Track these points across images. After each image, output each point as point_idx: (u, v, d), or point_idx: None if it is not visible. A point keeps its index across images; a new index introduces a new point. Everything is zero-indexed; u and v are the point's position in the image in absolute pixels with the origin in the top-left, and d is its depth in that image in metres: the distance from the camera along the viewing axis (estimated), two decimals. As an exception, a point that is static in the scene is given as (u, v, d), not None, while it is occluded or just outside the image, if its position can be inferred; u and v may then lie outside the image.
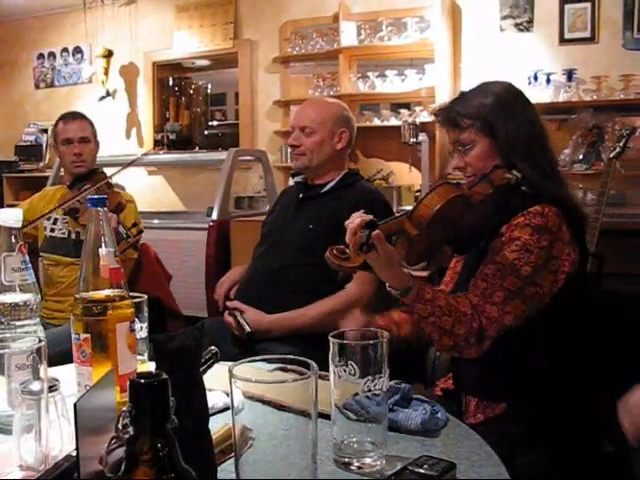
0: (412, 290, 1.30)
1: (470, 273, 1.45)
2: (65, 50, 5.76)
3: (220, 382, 1.08)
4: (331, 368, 0.96)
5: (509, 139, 1.45)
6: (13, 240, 1.20)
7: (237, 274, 2.29)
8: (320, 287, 1.98)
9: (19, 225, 1.19)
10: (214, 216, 3.81)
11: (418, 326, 1.34)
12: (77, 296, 1.13)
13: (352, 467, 0.96)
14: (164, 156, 5.13)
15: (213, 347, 1.18)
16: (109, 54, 5.35)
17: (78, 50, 5.69)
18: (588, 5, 3.87)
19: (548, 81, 3.88)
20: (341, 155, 2.21)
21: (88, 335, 1.10)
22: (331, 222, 1.96)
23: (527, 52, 4.02)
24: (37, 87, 5.95)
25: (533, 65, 3.95)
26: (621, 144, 3.16)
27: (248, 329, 1.97)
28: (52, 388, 0.97)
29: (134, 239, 2.29)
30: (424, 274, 3.13)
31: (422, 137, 3.82)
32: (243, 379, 0.80)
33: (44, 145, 5.68)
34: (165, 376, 0.61)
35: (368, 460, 0.96)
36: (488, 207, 1.40)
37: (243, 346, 1.98)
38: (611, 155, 3.18)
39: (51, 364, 1.13)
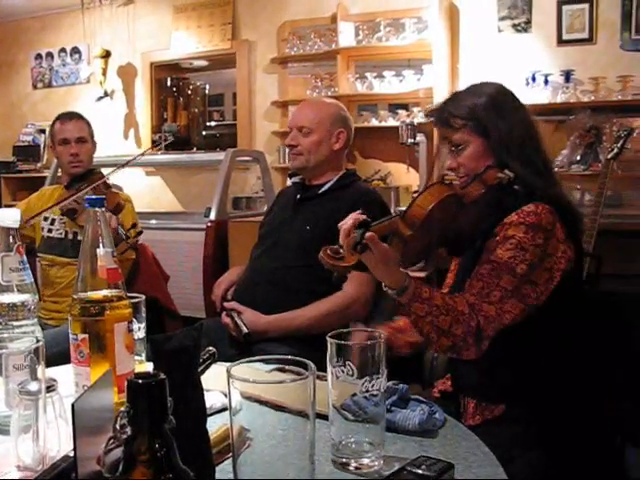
0: (408, 289, 1.30)
1: (466, 273, 1.45)
2: (63, 50, 5.75)
3: (218, 382, 1.08)
4: (329, 369, 0.96)
5: (502, 139, 1.46)
6: (11, 240, 1.20)
7: (235, 275, 2.29)
8: (318, 288, 1.98)
9: (17, 225, 1.19)
10: (212, 217, 3.81)
11: (416, 326, 1.34)
12: (75, 296, 1.13)
13: (350, 467, 0.96)
14: (162, 157, 5.12)
15: (211, 347, 1.18)
16: (107, 54, 5.34)
17: (76, 50, 5.68)
18: (586, 6, 3.87)
19: (546, 82, 3.88)
20: (339, 155, 2.21)
21: (86, 335, 1.10)
22: (329, 223, 1.95)
23: (525, 53, 4.03)
24: (35, 87, 5.94)
25: (531, 66, 3.95)
26: (619, 145, 3.17)
27: (245, 330, 1.97)
28: (50, 388, 0.97)
29: (133, 240, 2.28)
30: (422, 275, 3.14)
31: (420, 138, 3.82)
32: (241, 379, 0.80)
33: (42, 145, 5.68)
34: (163, 376, 0.61)
35: (366, 460, 0.96)
36: (481, 207, 1.41)
37: (240, 347, 1.98)
38: (609, 156, 3.19)
39: (49, 364, 1.13)
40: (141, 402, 0.60)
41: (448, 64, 4.14)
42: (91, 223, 1.14)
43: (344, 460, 0.96)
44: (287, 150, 3.70)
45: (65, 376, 1.13)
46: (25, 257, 1.19)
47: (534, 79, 3.90)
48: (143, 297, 1.31)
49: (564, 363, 1.44)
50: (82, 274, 1.14)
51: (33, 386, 0.95)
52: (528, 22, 4.05)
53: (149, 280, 2.78)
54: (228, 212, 4.12)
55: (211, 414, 1.10)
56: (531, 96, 3.85)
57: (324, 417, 0.97)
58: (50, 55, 5.82)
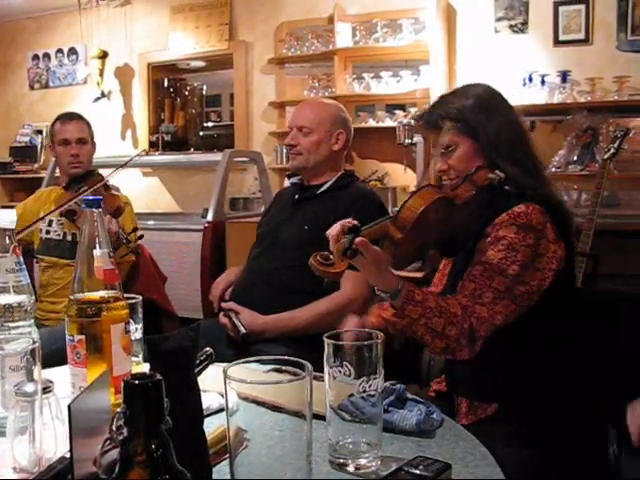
0: (401, 292, 1.31)
1: (458, 275, 1.46)
2: (60, 51, 5.74)
3: (215, 383, 1.08)
4: (326, 369, 0.96)
5: (491, 139, 1.46)
6: (7, 241, 1.20)
7: (232, 275, 2.29)
8: (315, 288, 1.96)
9: (13, 226, 1.19)
10: (209, 217, 3.81)
11: (410, 329, 1.34)
12: (72, 297, 1.13)
13: (347, 468, 0.95)
14: (159, 157, 5.12)
15: (208, 348, 1.18)
16: (104, 55, 5.34)
17: (73, 51, 5.68)
18: (582, 7, 3.88)
19: (543, 82, 3.89)
20: (337, 156, 2.21)
21: (82, 336, 1.10)
22: (327, 223, 1.93)
23: (522, 54, 4.03)
24: (32, 88, 5.93)
25: (528, 66, 3.96)
26: (615, 145, 3.18)
27: (243, 330, 1.97)
28: (46, 390, 0.97)
29: (134, 244, 2.28)
30: (418, 275, 3.14)
31: (417, 138, 3.82)
32: (238, 380, 0.80)
33: (39, 146, 5.67)
34: (159, 377, 0.61)
35: (363, 461, 0.96)
36: (472, 208, 1.41)
37: (238, 347, 1.98)
38: (605, 156, 3.19)
39: (45, 362, 1.13)
40: (137, 403, 0.60)
41: (445, 65, 4.14)
42: (88, 224, 1.14)
43: (341, 460, 0.96)
44: (285, 150, 3.71)
45: (62, 377, 1.13)
46: (21, 258, 1.19)
47: (531, 79, 3.91)
48: (140, 298, 1.31)
49: (557, 362, 1.44)
50: (79, 275, 1.14)
51: (29, 387, 0.95)
52: (525, 23, 4.06)
53: (146, 281, 2.78)
54: (225, 213, 4.12)
55: (208, 415, 1.10)
56: (528, 96, 3.86)
57: (321, 418, 0.97)
58: (47, 56, 5.82)
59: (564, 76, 3.86)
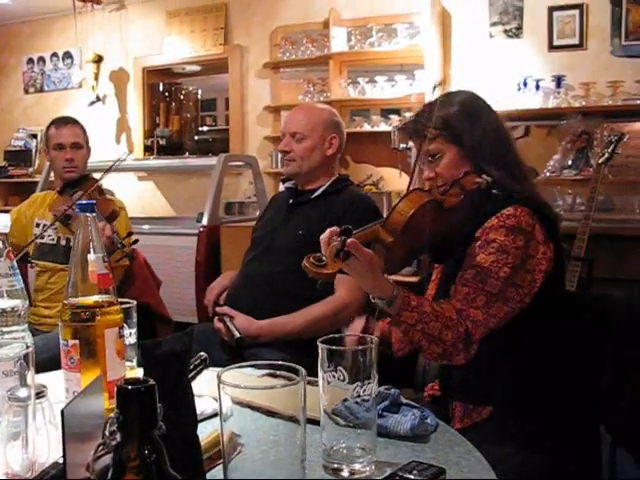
0: (397, 298, 1.31)
1: (450, 279, 1.46)
2: (55, 55, 5.74)
3: (209, 388, 1.08)
4: (320, 374, 0.96)
5: (476, 145, 1.47)
6: (1, 246, 1.20)
7: (227, 280, 2.29)
8: (310, 293, 1.97)
9: (7, 231, 1.18)
10: (204, 222, 3.80)
11: (406, 335, 1.34)
12: (65, 302, 1.13)
13: (342, 473, 0.95)
14: (154, 162, 5.12)
15: (202, 353, 1.18)
16: (99, 59, 5.34)
17: (68, 55, 5.67)
18: (576, 12, 3.89)
19: (537, 87, 3.90)
20: (331, 161, 2.22)
21: (76, 341, 1.10)
22: (321, 227, 1.93)
23: (516, 58, 4.05)
24: (26, 92, 5.92)
25: (522, 71, 3.97)
26: (610, 150, 3.19)
27: (238, 335, 1.97)
28: (39, 395, 0.96)
29: (129, 249, 2.27)
30: (414, 279, 3.14)
31: (412, 143, 3.82)
32: (231, 385, 0.79)
33: (33, 150, 5.66)
34: (152, 382, 0.60)
35: (358, 466, 0.96)
36: (461, 212, 1.42)
37: (233, 352, 1.98)
38: (600, 161, 3.21)
39: (39, 370, 1.12)
40: (130, 408, 0.59)
41: (440, 69, 4.15)
42: (82, 228, 1.14)
43: (336, 466, 0.96)
44: (280, 155, 3.71)
45: (55, 382, 1.13)
46: (15, 262, 1.18)
47: (525, 84, 3.92)
48: (134, 302, 1.30)
49: (549, 365, 1.45)
50: (73, 280, 1.13)
51: (22, 392, 0.94)
52: (519, 28, 4.07)
53: (141, 285, 2.77)
54: (220, 217, 4.11)
55: (202, 420, 1.09)
56: (523, 101, 3.88)
57: (316, 422, 0.97)
58: (42, 60, 5.81)
59: (558, 81, 3.87)
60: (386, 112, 4.46)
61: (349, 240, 1.23)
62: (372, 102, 4.50)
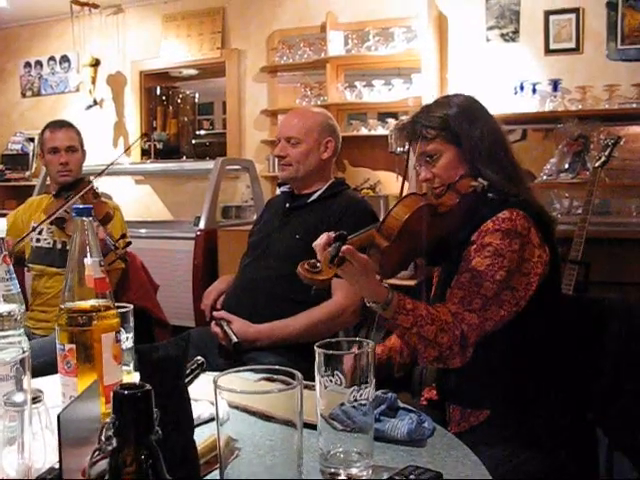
0: (392, 302, 1.31)
1: (446, 283, 1.46)
2: (52, 59, 5.74)
3: (206, 392, 1.08)
4: (317, 378, 0.96)
5: (474, 146, 1.48)
6: (-4, 250, 1.19)
7: (224, 284, 2.29)
8: (307, 297, 1.97)
9: (3, 235, 1.18)
10: (201, 225, 3.80)
11: (402, 338, 1.35)
12: (62, 306, 1.13)
13: (339, 477, 0.95)
14: (151, 165, 5.12)
15: (199, 357, 1.18)
16: (96, 63, 5.33)
17: (65, 59, 5.67)
18: (572, 16, 3.91)
19: (534, 91, 3.91)
20: (327, 165, 2.22)
21: (73, 345, 1.10)
22: (318, 231, 1.93)
23: (513, 62, 4.06)
24: (24, 96, 5.92)
25: (519, 75, 3.98)
26: (606, 153, 3.20)
27: (235, 339, 1.96)
28: (35, 399, 0.96)
29: (122, 251, 2.27)
30: (412, 283, 3.14)
31: (408, 145, 3.82)
32: (228, 390, 0.79)
33: (31, 154, 5.65)
34: (148, 387, 0.60)
35: (355, 470, 0.96)
36: (457, 216, 1.42)
37: (230, 356, 1.97)
38: (596, 164, 3.22)
39: (36, 374, 1.12)
40: (127, 413, 0.59)
41: (437, 73, 4.16)
42: (78, 232, 1.14)
43: (333, 470, 0.96)
44: (276, 160, 3.71)
45: (52, 386, 1.13)
46: (12, 267, 1.18)
47: (522, 88, 3.93)
48: (131, 307, 1.30)
49: (546, 367, 1.45)
50: (69, 284, 1.13)
51: (19, 397, 0.94)
52: (516, 32, 4.09)
53: (138, 289, 2.77)
54: (217, 221, 4.11)
55: (199, 424, 1.09)
56: (519, 105, 3.89)
57: (313, 427, 0.97)
58: (39, 63, 5.81)
59: (555, 84, 3.88)
60: (383, 116, 4.47)
61: (344, 247, 1.23)
62: (369, 106, 4.51)
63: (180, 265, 3.78)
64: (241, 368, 0.87)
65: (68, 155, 2.59)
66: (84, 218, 1.14)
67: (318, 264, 1.25)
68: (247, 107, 4.98)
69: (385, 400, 1.15)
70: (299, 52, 4.61)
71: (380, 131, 4.32)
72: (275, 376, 0.84)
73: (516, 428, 1.40)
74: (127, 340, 1.28)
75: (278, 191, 2.40)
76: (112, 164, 2.38)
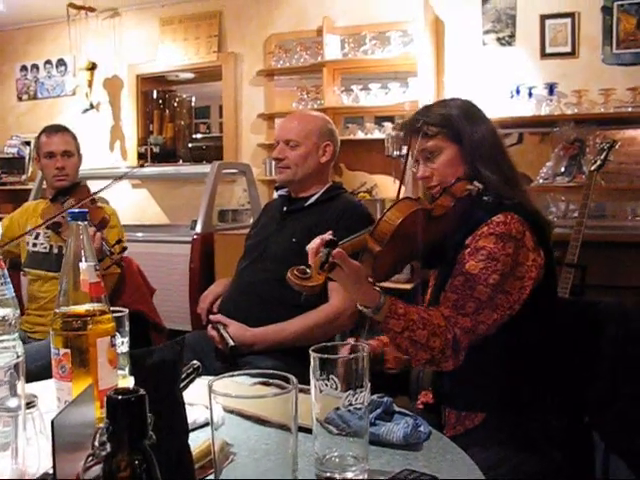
0: (384, 306, 1.31)
1: (442, 287, 1.46)
2: (48, 62, 5.73)
3: (202, 397, 1.07)
4: (312, 382, 0.96)
5: (475, 146, 1.48)
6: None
7: (221, 287, 2.28)
8: (304, 300, 1.97)
9: (-2, 239, 1.18)
10: (198, 229, 3.80)
11: (394, 342, 1.34)
12: (57, 311, 1.13)
13: (334, 482, 0.95)
14: (148, 169, 5.11)
15: (195, 361, 1.17)
16: (93, 66, 5.33)
17: (61, 62, 5.67)
18: (568, 20, 3.93)
19: (530, 95, 3.92)
20: (325, 168, 2.22)
21: (68, 350, 1.10)
22: (314, 235, 1.92)
23: (509, 66, 4.07)
24: (20, 99, 5.91)
25: (515, 79, 3.99)
26: (602, 157, 3.20)
27: (231, 343, 1.96)
28: (30, 405, 0.96)
29: (117, 256, 2.26)
30: (408, 287, 3.14)
31: (406, 150, 3.83)
32: (222, 394, 0.79)
33: (27, 158, 5.64)
34: (142, 392, 0.60)
35: (350, 474, 0.95)
36: (451, 219, 1.42)
37: (226, 360, 1.97)
38: (592, 168, 3.22)
39: (31, 378, 1.12)
40: (120, 418, 0.59)
41: (433, 77, 4.17)
42: (74, 237, 1.14)
43: (328, 474, 0.95)
44: (273, 163, 3.71)
45: (46, 391, 1.12)
46: (6, 271, 1.18)
47: (518, 92, 3.94)
48: (126, 311, 1.30)
49: (542, 371, 1.45)
50: (64, 288, 1.13)
51: (12, 402, 0.94)
52: (512, 36, 4.10)
53: (135, 293, 2.76)
54: (214, 225, 4.11)
55: (194, 429, 1.09)
56: (516, 108, 3.89)
57: (308, 431, 0.97)
58: (35, 67, 5.80)
59: (551, 88, 3.89)
60: (380, 120, 4.48)
61: (335, 251, 1.23)
62: (366, 110, 4.51)
63: (177, 269, 3.77)
64: (235, 372, 0.87)
65: (64, 160, 2.59)
66: (79, 222, 1.14)
67: (308, 270, 1.25)
68: (244, 111, 4.98)
69: (381, 404, 1.15)
70: (296, 56, 4.61)
71: (377, 135, 4.33)
72: (270, 380, 0.84)
73: (512, 431, 1.40)
74: (122, 344, 1.28)
75: (275, 195, 2.40)
76: (118, 180, 2.37)
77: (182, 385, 0.98)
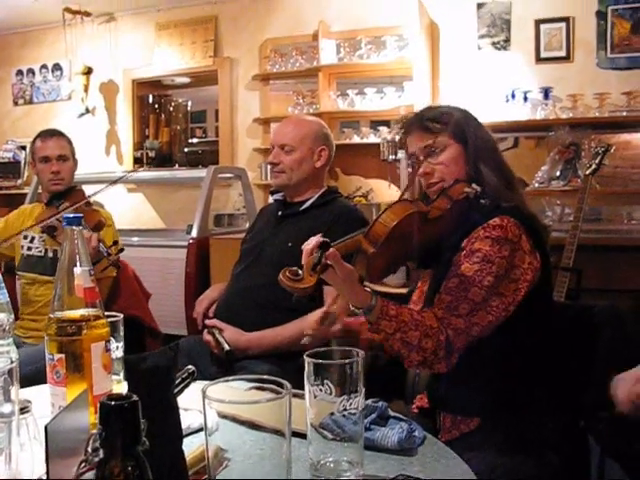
0: (375, 308, 1.31)
1: (436, 289, 1.46)
2: (44, 67, 5.73)
3: (197, 402, 1.07)
4: (307, 387, 0.96)
5: (478, 147, 1.49)
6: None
7: (216, 292, 2.28)
8: (299, 305, 1.97)
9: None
10: (194, 234, 3.79)
11: (385, 344, 1.34)
12: (51, 316, 1.12)
13: (329, 487, 0.95)
14: (144, 173, 5.10)
15: (190, 366, 1.17)
16: (89, 71, 5.33)
17: (57, 67, 5.66)
18: (563, 25, 3.94)
19: (525, 99, 3.93)
20: (320, 173, 2.22)
21: (62, 355, 1.09)
22: (310, 239, 1.96)
23: (504, 70, 4.08)
24: (16, 104, 5.90)
25: (510, 83, 4.00)
26: (597, 161, 3.22)
27: (227, 347, 1.96)
28: (23, 410, 0.95)
29: (115, 257, 2.26)
30: (403, 291, 3.14)
31: (401, 154, 3.84)
32: (216, 400, 0.79)
33: (22, 162, 5.63)
34: (135, 398, 0.60)
35: (345, 480, 0.95)
36: (447, 222, 1.42)
37: (222, 364, 1.97)
38: (587, 172, 3.23)
39: (24, 382, 1.11)
40: (113, 424, 0.59)
41: (429, 81, 4.18)
42: (68, 241, 1.13)
43: (323, 479, 0.95)
44: (269, 167, 3.71)
45: (40, 396, 1.12)
46: (1, 276, 1.18)
47: (514, 96, 3.96)
48: (121, 316, 1.29)
49: (537, 374, 1.45)
50: (59, 293, 1.13)
51: (6, 408, 0.93)
52: (507, 40, 4.11)
53: (130, 298, 2.76)
54: (210, 229, 4.11)
55: (189, 434, 1.09)
56: (511, 113, 3.91)
57: (303, 436, 0.97)
58: (31, 71, 5.80)
59: (546, 93, 3.90)
60: (375, 124, 4.48)
61: (329, 252, 1.23)
62: (361, 114, 4.52)
63: (172, 273, 3.77)
64: (230, 378, 0.87)
65: (59, 164, 2.59)
66: (74, 227, 1.14)
67: (300, 272, 1.25)
68: (239, 115, 4.98)
69: (376, 409, 1.14)
70: (291, 60, 4.62)
71: (372, 139, 4.33)
72: (265, 385, 0.84)
73: (507, 435, 1.40)
74: (117, 349, 1.27)
75: (270, 199, 2.40)
76: (114, 183, 2.36)
77: (177, 390, 0.98)
